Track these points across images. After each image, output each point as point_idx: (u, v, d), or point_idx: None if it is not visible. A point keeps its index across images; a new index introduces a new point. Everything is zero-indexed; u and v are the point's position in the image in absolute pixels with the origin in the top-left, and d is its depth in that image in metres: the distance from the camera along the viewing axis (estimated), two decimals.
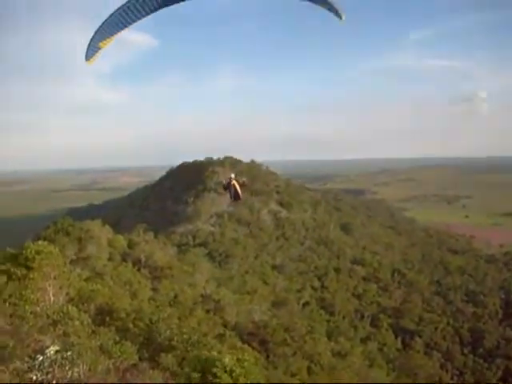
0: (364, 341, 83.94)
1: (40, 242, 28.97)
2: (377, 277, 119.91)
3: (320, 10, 15.93)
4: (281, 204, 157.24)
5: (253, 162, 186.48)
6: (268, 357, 41.52)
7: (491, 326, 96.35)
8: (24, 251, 26.79)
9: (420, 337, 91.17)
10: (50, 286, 25.73)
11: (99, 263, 51.21)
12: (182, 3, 16.14)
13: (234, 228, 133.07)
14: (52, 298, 25.29)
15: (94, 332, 21.90)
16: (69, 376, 15.02)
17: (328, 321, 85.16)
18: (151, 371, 20.23)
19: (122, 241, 68.78)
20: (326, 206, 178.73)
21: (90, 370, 16.39)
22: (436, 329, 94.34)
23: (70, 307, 22.59)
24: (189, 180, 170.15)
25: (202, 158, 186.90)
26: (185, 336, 25.64)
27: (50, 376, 14.61)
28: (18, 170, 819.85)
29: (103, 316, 27.75)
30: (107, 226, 71.21)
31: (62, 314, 21.05)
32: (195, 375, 17.98)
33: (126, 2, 14.76)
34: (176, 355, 23.67)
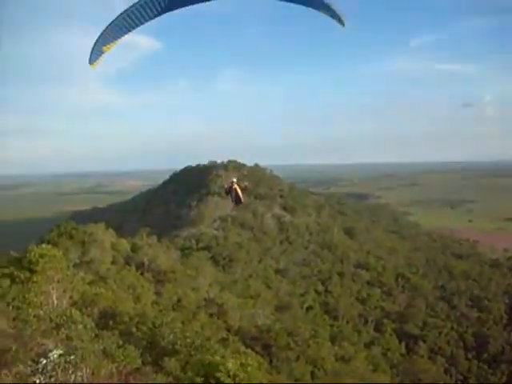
0: (368, 345, 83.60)
1: (43, 246, 28.99)
2: (381, 281, 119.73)
3: (323, 16, 16.12)
4: (284, 208, 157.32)
5: (256, 165, 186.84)
6: (271, 361, 41.36)
7: (496, 331, 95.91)
8: (28, 254, 26.81)
9: (424, 342, 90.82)
10: (53, 289, 25.72)
11: (102, 267, 51.16)
12: (185, 8, 16.24)
13: (238, 232, 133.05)
14: (55, 302, 25.27)
15: (97, 336, 21.84)
16: (72, 380, 14.99)
17: (332, 325, 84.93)
18: (154, 375, 20.18)
19: (125, 244, 68.71)
20: (330, 210, 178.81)
21: (93, 373, 16.35)
22: (440, 334, 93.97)
23: (73, 311, 22.57)
24: (192, 184, 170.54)
25: (205, 162, 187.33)
26: (188, 340, 25.60)
27: (53, 380, 14.59)
28: (22, 173, 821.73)
29: (106, 320, 27.71)
30: (111, 230, 71.17)
31: (65, 318, 21.03)
32: (198, 379, 17.97)
33: (130, 7, 14.83)
34: (179, 359, 23.59)
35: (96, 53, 15.75)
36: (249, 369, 18.32)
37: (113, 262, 58.46)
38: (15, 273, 26.01)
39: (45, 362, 14.77)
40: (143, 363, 21.67)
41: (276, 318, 64.41)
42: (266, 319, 58.14)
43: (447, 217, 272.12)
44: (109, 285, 40.13)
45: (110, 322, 27.26)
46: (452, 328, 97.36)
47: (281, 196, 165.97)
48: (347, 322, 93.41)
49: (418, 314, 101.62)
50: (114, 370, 18.50)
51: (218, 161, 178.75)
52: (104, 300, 29.69)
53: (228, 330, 43.30)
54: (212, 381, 17.74)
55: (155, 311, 34.20)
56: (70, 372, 14.96)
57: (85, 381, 15.51)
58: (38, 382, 14.37)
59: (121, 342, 21.92)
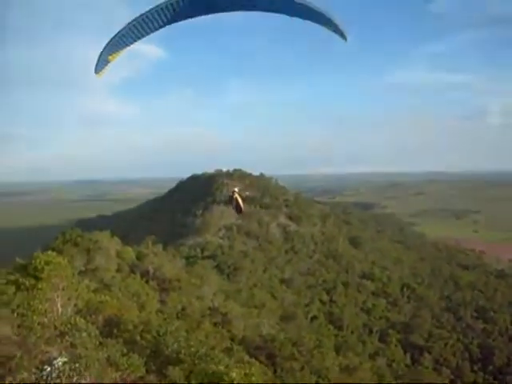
0: (373, 356, 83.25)
1: (49, 253, 29.01)
2: (386, 291, 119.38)
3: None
4: (290, 217, 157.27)
5: (262, 175, 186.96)
6: (275, 371, 41.14)
7: (501, 342, 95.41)
8: (33, 261, 26.82)
9: (429, 353, 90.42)
10: (58, 296, 25.70)
11: (107, 274, 51.11)
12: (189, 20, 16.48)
13: (243, 241, 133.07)
14: (60, 309, 25.25)
15: (101, 344, 21.79)
16: None
17: (336, 335, 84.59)
18: None
19: (130, 252, 68.67)
20: (335, 220, 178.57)
21: (97, 381, 16.33)
22: (445, 345, 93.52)
23: (77, 318, 22.53)
24: (198, 192, 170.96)
25: (211, 171, 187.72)
26: (192, 349, 25.50)
27: None
28: (28, 180, 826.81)
29: (111, 328, 27.65)
30: (116, 238, 71.25)
31: (69, 325, 21.00)
32: None
33: (136, 18, 15.03)
34: (183, 368, 23.51)
35: (102, 62, 15.95)
36: (253, 378, 18.20)
37: (118, 270, 58.43)
38: (20, 280, 26.02)
39: (49, 369, 14.78)
40: (147, 372, 21.63)
41: (280, 328, 64.32)
42: (270, 329, 58.00)
43: (452, 227, 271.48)
44: (113, 293, 40.07)
45: (115, 330, 27.20)
46: (457, 339, 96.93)
47: (286, 205, 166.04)
48: (352, 332, 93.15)
49: (424, 325, 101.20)
50: (118, 378, 18.50)
51: (224, 169, 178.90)
52: (109, 308, 29.64)
53: (232, 340, 43.12)
54: None
55: (160, 320, 34.11)
56: (75, 380, 14.97)
57: None
58: None
59: (125, 351, 21.89)
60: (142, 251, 72.03)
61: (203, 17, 16.47)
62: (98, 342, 21.37)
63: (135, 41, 15.96)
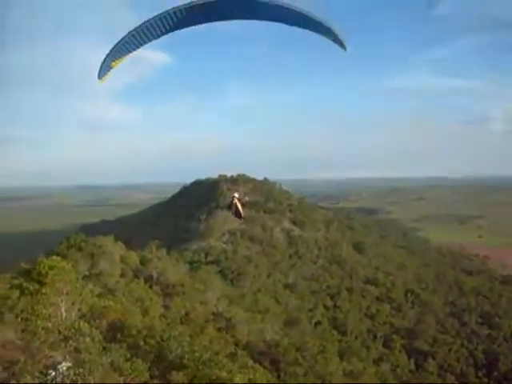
0: (377, 361, 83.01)
1: (53, 258, 29.03)
2: (390, 297, 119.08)
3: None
4: (294, 222, 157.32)
5: (266, 180, 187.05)
6: (279, 376, 41.04)
7: (506, 348, 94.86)
8: (37, 266, 26.84)
9: (434, 358, 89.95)
10: (62, 301, 25.69)
11: (111, 279, 51.12)
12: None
13: (247, 246, 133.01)
14: (64, 314, 25.24)
15: (105, 348, 21.77)
16: None
17: (340, 341, 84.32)
18: None
19: (134, 257, 68.70)
20: (339, 225, 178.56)
21: None
22: (450, 350, 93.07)
23: (81, 323, 22.54)
24: (201, 197, 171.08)
25: (214, 176, 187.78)
26: (196, 354, 25.41)
27: None
28: (31, 185, 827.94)
29: (114, 332, 27.61)
30: (120, 242, 71.32)
31: (73, 330, 21.00)
32: None
33: (139, 25, 15.14)
34: (187, 373, 23.43)
35: (105, 68, 16.08)
36: None
37: (122, 275, 58.44)
38: (24, 284, 26.05)
39: (54, 374, 14.75)
40: (151, 377, 21.57)
41: (284, 333, 64.20)
42: (274, 334, 57.88)
43: (456, 232, 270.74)
44: (117, 297, 40.08)
45: (118, 335, 27.16)
46: (462, 345, 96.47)
47: (290, 210, 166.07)
48: (356, 338, 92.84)
49: (428, 331, 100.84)
50: (122, 382, 18.45)
51: (228, 174, 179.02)
52: (112, 313, 29.62)
53: (236, 345, 43.02)
54: None
55: (163, 324, 34.03)
56: None
57: None
58: None
59: (129, 355, 21.85)
60: (145, 256, 72.06)
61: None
62: (101, 347, 21.35)
63: (138, 48, 16.12)
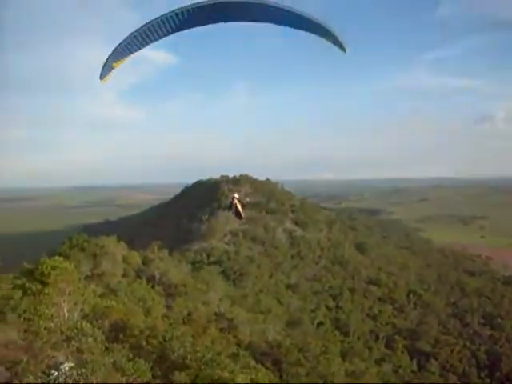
0: (379, 362, 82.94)
1: (56, 258, 29.06)
2: (392, 297, 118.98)
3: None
4: (296, 223, 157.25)
5: (268, 180, 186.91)
6: (281, 377, 41.03)
7: (508, 349, 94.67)
8: (40, 266, 26.87)
9: (436, 359, 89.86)
10: (64, 301, 25.71)
11: (114, 279, 51.22)
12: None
13: (249, 246, 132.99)
14: (66, 314, 25.25)
15: (107, 349, 21.79)
16: None
17: (342, 341, 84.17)
18: None
19: (136, 257, 68.78)
20: (341, 226, 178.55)
21: None
22: (452, 351, 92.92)
23: (84, 323, 22.53)
24: (203, 198, 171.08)
25: (217, 176, 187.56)
26: (198, 354, 25.42)
27: None
28: (33, 185, 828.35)
29: (117, 333, 27.62)
30: (122, 243, 71.35)
31: (76, 330, 20.99)
32: None
33: (141, 26, 15.20)
34: (189, 374, 23.44)
35: (107, 68, 16.13)
36: None
37: (124, 275, 58.52)
38: (27, 284, 26.08)
39: (56, 374, 14.77)
40: (153, 377, 21.58)
41: (286, 334, 64.24)
42: (276, 334, 57.94)
43: (459, 233, 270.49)
44: (120, 298, 40.11)
45: (121, 335, 27.18)
46: (464, 345, 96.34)
47: (292, 211, 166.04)
48: (358, 338, 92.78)
49: (430, 331, 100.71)
50: (124, 383, 18.46)
51: (230, 175, 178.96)
52: (115, 313, 29.62)
53: (238, 345, 43.01)
54: None
55: (165, 325, 34.01)
56: None
57: None
58: None
59: (131, 356, 21.85)
60: (147, 256, 72.18)
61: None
62: (104, 347, 21.37)
63: (139, 49, 16.16)
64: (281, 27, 16.60)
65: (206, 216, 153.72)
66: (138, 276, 61.08)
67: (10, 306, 22.94)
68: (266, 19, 16.49)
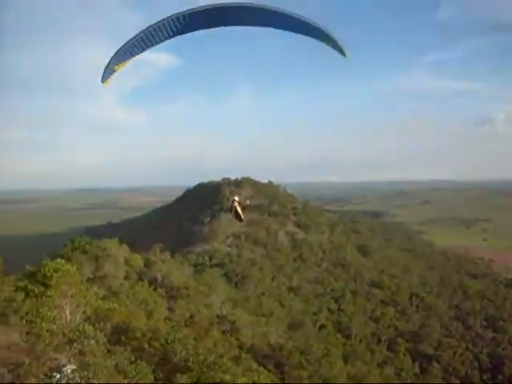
0: (381, 365, 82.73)
1: (58, 260, 29.10)
2: (394, 300, 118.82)
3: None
4: (298, 225, 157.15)
5: (270, 183, 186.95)
6: (283, 379, 40.99)
7: (511, 351, 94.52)
8: (42, 269, 26.92)
9: (438, 362, 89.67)
10: (66, 304, 25.74)
11: (116, 282, 51.24)
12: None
13: (251, 249, 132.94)
14: (68, 316, 25.27)
15: (109, 351, 21.80)
16: None
17: (344, 344, 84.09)
18: None
19: (138, 260, 68.85)
20: (344, 228, 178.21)
21: None
22: (455, 354, 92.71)
23: (86, 326, 22.55)
24: (205, 200, 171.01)
25: (218, 179, 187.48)
26: (200, 357, 25.39)
27: None
28: (36, 187, 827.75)
29: (119, 335, 27.62)
30: (124, 245, 71.45)
31: (78, 333, 21.01)
32: None
33: (144, 30, 15.25)
34: (191, 376, 23.42)
35: (109, 71, 16.16)
36: None
37: (126, 278, 58.58)
38: (29, 287, 26.14)
39: (58, 376, 14.79)
40: (155, 379, 21.60)
41: (288, 336, 64.13)
42: (278, 337, 57.87)
43: (461, 235, 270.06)
44: (122, 300, 40.13)
45: (123, 338, 27.17)
46: (467, 348, 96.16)
47: (294, 213, 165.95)
48: (360, 341, 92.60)
49: (432, 334, 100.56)
50: None
51: (232, 177, 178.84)
52: (117, 315, 29.64)
53: (240, 348, 43.01)
54: None
55: (168, 327, 34.02)
56: None
57: None
58: None
59: (133, 358, 21.86)
60: (150, 259, 72.25)
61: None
62: (106, 350, 21.39)
63: (141, 52, 16.21)
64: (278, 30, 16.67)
65: (208, 218, 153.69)
66: (140, 278, 61.11)
67: (13, 308, 22.99)
68: (267, 24, 16.56)
